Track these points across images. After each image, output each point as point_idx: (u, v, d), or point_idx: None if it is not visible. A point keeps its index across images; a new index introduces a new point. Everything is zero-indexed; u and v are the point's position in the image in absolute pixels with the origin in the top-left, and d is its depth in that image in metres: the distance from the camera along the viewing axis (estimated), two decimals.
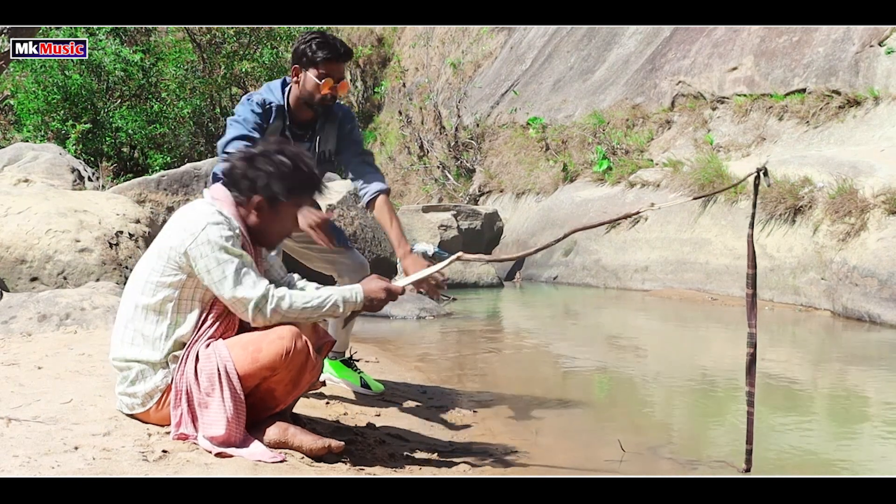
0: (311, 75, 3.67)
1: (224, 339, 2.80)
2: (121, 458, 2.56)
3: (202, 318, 2.81)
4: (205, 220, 2.76)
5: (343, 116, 3.89)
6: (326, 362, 4.08)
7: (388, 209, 3.80)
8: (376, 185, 3.81)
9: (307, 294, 2.82)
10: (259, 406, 2.83)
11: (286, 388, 2.84)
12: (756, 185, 2.98)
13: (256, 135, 3.61)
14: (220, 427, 2.71)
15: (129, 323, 2.83)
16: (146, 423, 2.88)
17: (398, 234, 3.72)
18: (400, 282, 3.06)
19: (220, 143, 3.68)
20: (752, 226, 3.04)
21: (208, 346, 2.78)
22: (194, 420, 2.76)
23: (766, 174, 2.96)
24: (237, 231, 2.80)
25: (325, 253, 3.93)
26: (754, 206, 3.12)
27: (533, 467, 3.23)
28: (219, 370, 2.73)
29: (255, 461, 2.69)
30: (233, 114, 3.77)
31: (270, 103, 3.71)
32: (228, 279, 2.72)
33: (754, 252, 3.02)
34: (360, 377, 4.14)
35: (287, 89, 3.79)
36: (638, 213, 3.09)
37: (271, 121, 3.72)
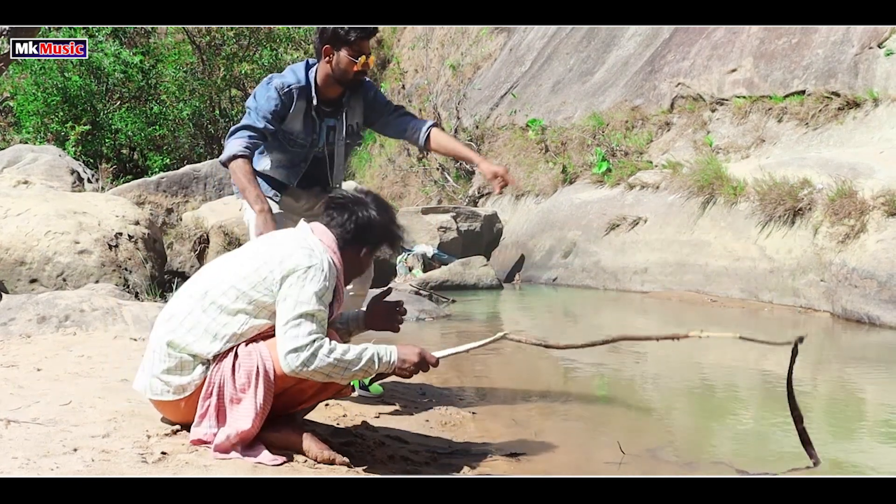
0: (344, 54, 3.77)
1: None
2: (120, 460, 2.56)
3: (260, 334, 2.85)
4: (312, 261, 2.81)
5: (364, 86, 4.00)
6: None
7: (446, 136, 4.09)
8: (423, 125, 4.03)
9: (346, 345, 2.82)
10: (284, 403, 2.87)
11: (316, 391, 2.90)
12: (794, 354, 2.99)
13: (262, 125, 3.76)
14: (248, 421, 2.74)
15: (196, 312, 2.83)
16: (169, 413, 2.89)
17: (467, 150, 4.07)
18: (437, 353, 3.06)
19: (233, 128, 3.83)
20: (791, 396, 3.06)
21: (248, 343, 2.81)
22: (219, 414, 2.79)
23: (801, 341, 2.99)
24: (333, 281, 2.86)
25: None
26: (790, 374, 3.07)
27: (532, 468, 3.23)
28: (258, 368, 2.76)
29: (254, 463, 2.70)
30: (252, 96, 3.86)
31: (290, 86, 3.80)
32: (293, 314, 2.73)
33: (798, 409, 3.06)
34: (360, 379, 4.15)
35: (315, 69, 3.87)
36: (687, 335, 3.11)
37: (293, 103, 3.81)
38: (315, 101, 3.86)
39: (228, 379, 2.77)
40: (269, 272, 2.80)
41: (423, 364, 2.93)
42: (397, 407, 3.99)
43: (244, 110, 3.93)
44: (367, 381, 4.14)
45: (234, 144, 3.73)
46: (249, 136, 3.74)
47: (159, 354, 2.85)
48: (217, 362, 2.80)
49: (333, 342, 2.77)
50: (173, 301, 2.97)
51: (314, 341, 2.71)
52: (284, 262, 2.81)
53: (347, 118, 3.97)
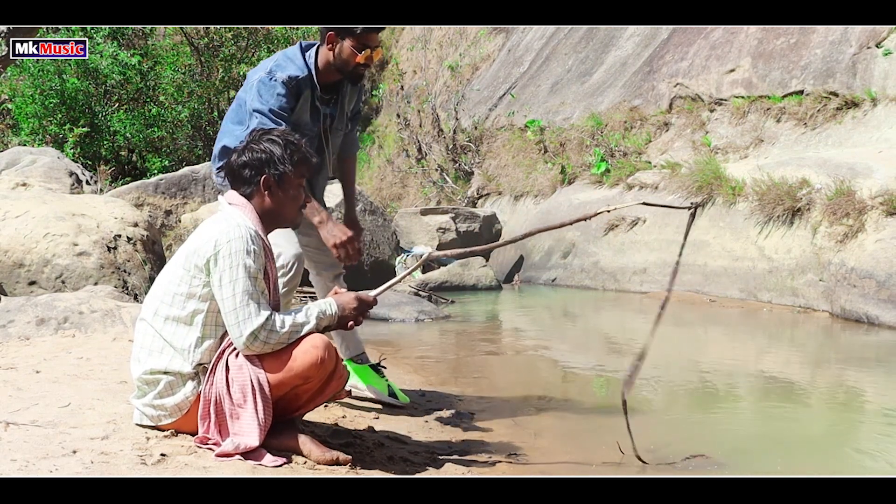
0: (347, 44, 3.66)
1: None
2: (119, 462, 2.55)
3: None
4: (229, 234, 2.79)
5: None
6: (351, 368, 3.96)
7: (352, 170, 4.10)
8: (353, 146, 4.08)
9: (291, 311, 2.85)
10: (281, 409, 2.86)
11: (312, 395, 2.89)
12: (691, 218, 3.39)
13: (282, 126, 3.52)
14: (254, 437, 2.74)
15: (157, 334, 2.83)
16: (173, 430, 2.87)
17: (351, 197, 4.04)
18: (372, 292, 3.04)
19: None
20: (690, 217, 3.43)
21: (238, 355, 2.79)
22: (221, 430, 2.78)
23: (698, 205, 3.21)
24: (259, 246, 2.83)
25: (308, 248, 3.85)
26: (685, 237, 3.44)
27: (531, 469, 3.23)
28: (251, 382, 2.75)
29: (254, 464, 2.70)
30: (250, 94, 3.66)
31: (296, 77, 3.65)
32: (236, 299, 2.74)
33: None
34: (388, 385, 3.99)
35: (311, 54, 3.73)
36: (597, 213, 3.27)
37: (301, 95, 3.68)
38: (318, 90, 3.73)
39: (224, 395, 2.76)
40: (193, 263, 2.80)
41: (363, 305, 2.94)
42: (396, 408, 3.98)
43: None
44: (395, 390, 4.00)
45: None
46: None
47: (145, 386, 2.85)
48: (209, 376, 2.79)
49: (280, 315, 2.80)
50: (136, 332, 2.94)
51: (267, 319, 2.74)
52: (203, 248, 2.79)
53: (344, 106, 3.87)
